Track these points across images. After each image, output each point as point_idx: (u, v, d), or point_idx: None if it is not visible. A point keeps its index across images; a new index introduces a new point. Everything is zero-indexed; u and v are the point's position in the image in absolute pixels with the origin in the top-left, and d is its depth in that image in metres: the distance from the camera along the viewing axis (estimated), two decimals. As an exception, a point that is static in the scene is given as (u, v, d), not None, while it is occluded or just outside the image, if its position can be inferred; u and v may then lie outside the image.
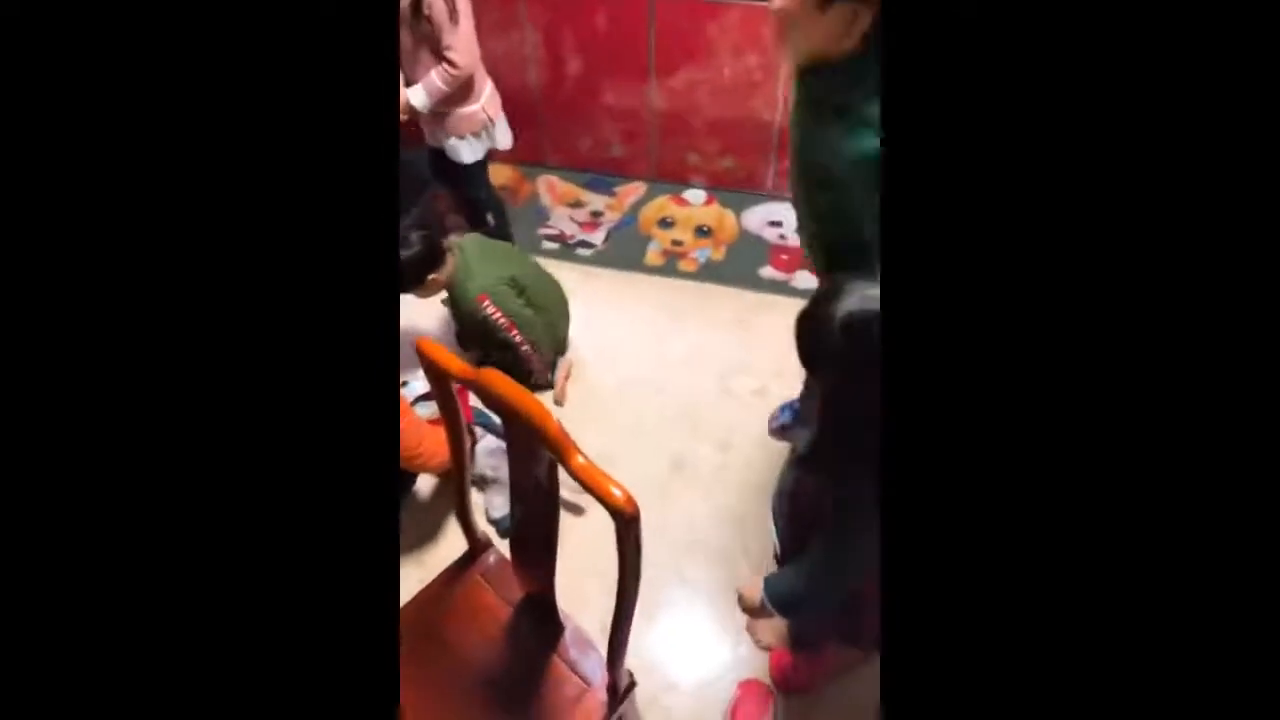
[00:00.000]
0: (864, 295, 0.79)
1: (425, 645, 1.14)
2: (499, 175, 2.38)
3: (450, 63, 1.73)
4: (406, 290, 1.72)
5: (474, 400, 1.66)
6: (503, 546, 1.23)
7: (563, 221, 2.57)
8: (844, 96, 0.96)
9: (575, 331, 2.06)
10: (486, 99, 1.91)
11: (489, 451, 1.74)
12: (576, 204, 2.63)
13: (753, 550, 1.66)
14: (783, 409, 1.86)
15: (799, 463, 1.23)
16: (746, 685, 1.43)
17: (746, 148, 2.50)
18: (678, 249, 2.45)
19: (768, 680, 1.45)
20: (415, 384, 1.72)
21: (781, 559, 1.42)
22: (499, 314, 1.79)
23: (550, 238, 2.52)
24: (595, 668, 1.11)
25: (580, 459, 0.78)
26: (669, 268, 2.40)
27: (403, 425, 1.36)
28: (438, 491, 1.78)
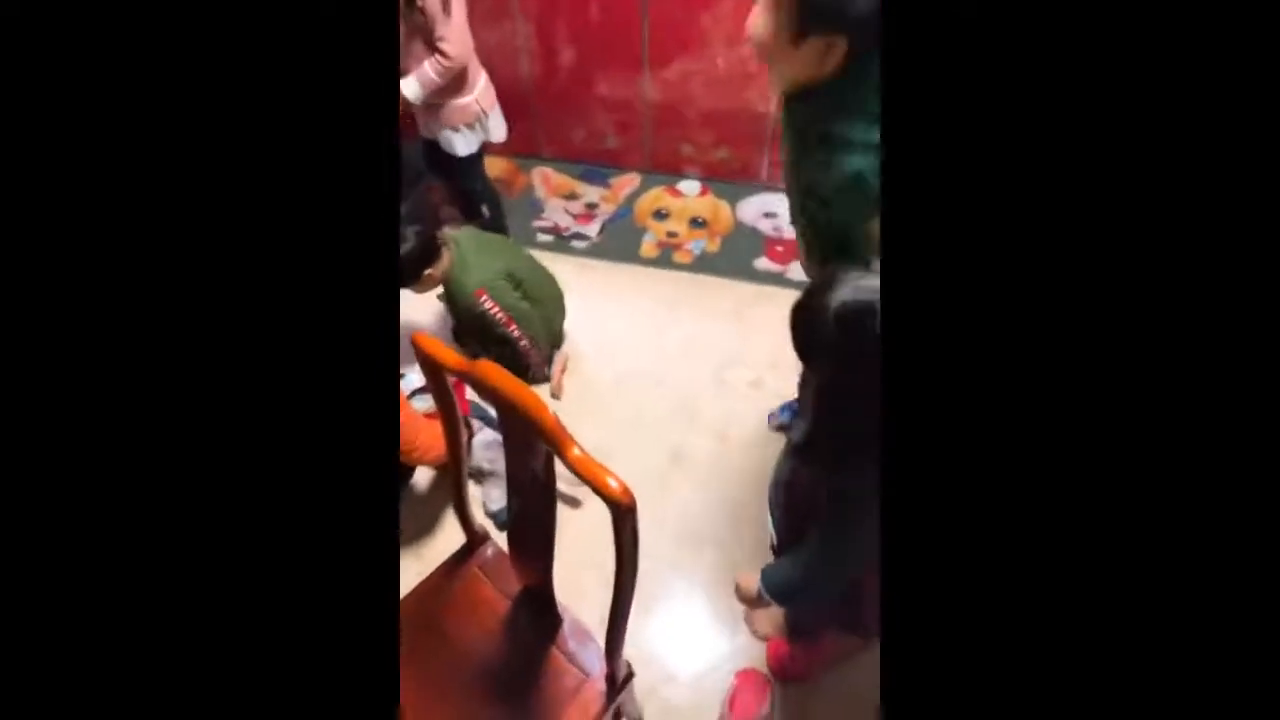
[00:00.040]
0: (858, 286, 0.79)
1: (424, 638, 1.14)
2: (493, 167, 2.37)
3: (443, 54, 1.72)
4: (403, 286, 1.72)
5: (471, 393, 1.66)
6: (500, 539, 1.23)
7: (557, 214, 2.57)
8: (826, 124, 0.99)
9: (571, 325, 2.06)
10: (480, 91, 1.90)
11: (486, 444, 1.74)
12: (571, 196, 2.63)
13: (749, 541, 1.67)
14: (782, 409, 1.87)
15: (794, 453, 1.23)
16: (744, 675, 1.43)
17: (741, 138, 2.49)
18: (673, 241, 2.45)
19: (765, 670, 1.46)
20: (412, 377, 1.71)
21: (778, 549, 1.42)
22: (496, 308, 1.78)
23: (545, 230, 2.51)
24: (593, 659, 1.11)
25: (576, 451, 0.78)
26: (664, 259, 2.39)
27: (399, 419, 1.36)
28: (435, 485, 1.79)
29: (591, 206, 2.59)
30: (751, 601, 1.53)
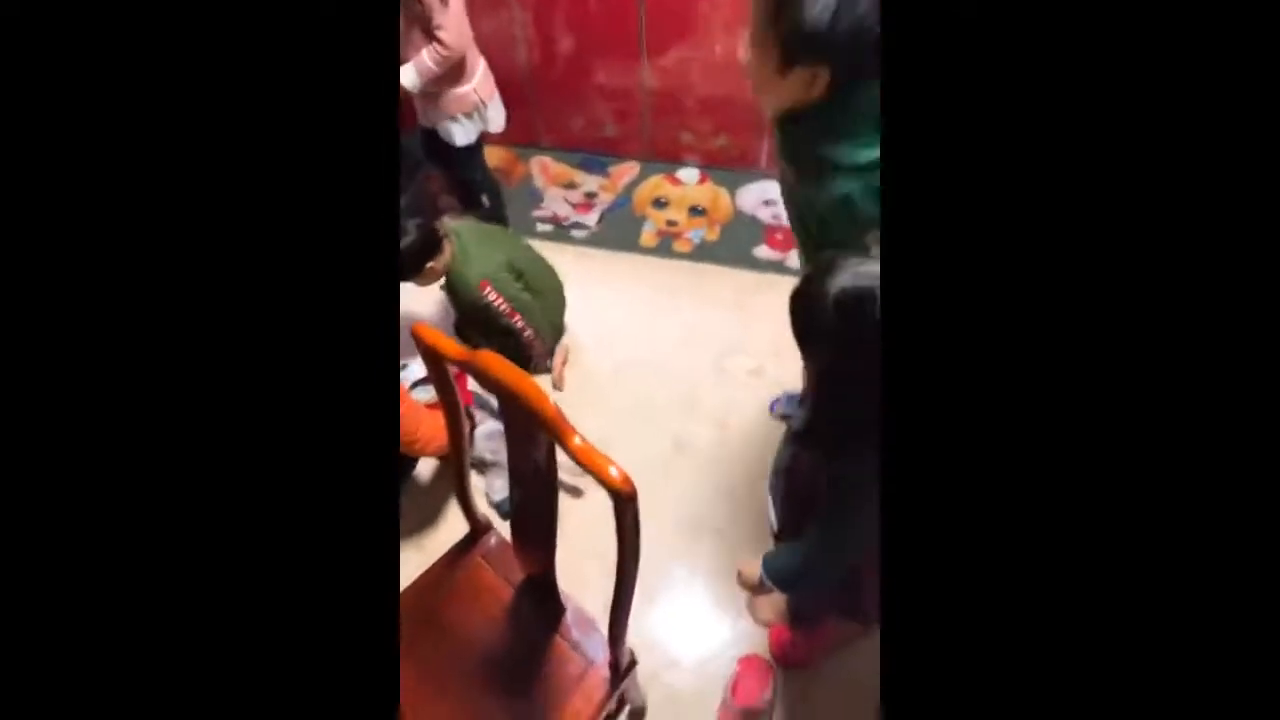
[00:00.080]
0: (857, 271, 0.79)
1: (428, 627, 1.15)
2: (491, 157, 2.36)
3: (441, 43, 1.71)
4: (405, 279, 1.71)
5: (473, 384, 1.66)
6: (504, 529, 1.23)
7: (556, 203, 2.56)
8: (816, 148, 1.03)
9: (571, 315, 2.05)
10: (479, 80, 1.89)
11: (488, 434, 1.74)
12: (570, 185, 2.62)
13: (751, 528, 1.67)
14: (786, 399, 1.87)
15: (795, 439, 1.24)
16: (747, 661, 1.44)
17: (740, 126, 2.48)
18: (672, 229, 2.44)
19: (768, 656, 1.47)
20: (414, 368, 1.72)
21: (779, 536, 1.43)
22: (500, 300, 1.78)
23: (544, 220, 2.51)
24: (597, 647, 1.12)
25: (577, 440, 0.78)
26: (664, 248, 2.39)
27: (400, 410, 1.36)
28: (438, 475, 1.79)
29: (590, 195, 2.58)
30: (753, 588, 1.54)
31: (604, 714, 1.11)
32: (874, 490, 0.53)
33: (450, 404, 1.04)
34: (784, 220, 2.40)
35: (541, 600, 1.16)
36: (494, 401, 1.31)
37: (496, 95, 1.98)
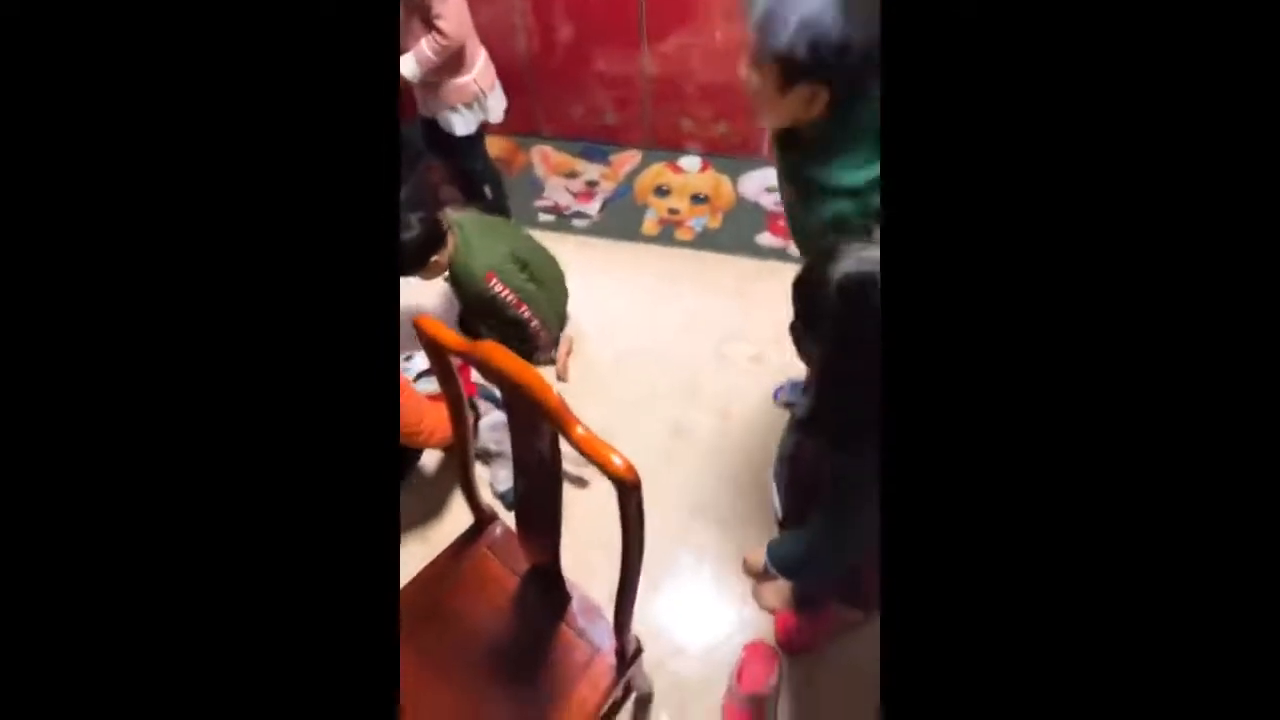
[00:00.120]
0: (860, 257, 0.79)
1: (434, 617, 1.16)
2: (492, 146, 2.35)
3: (440, 32, 1.70)
4: (409, 273, 1.72)
5: (476, 375, 1.67)
6: (508, 519, 1.24)
7: (558, 192, 2.55)
8: (810, 171, 1.06)
9: (573, 304, 2.05)
10: (479, 70, 1.88)
11: (493, 425, 1.75)
12: (571, 174, 2.61)
13: (755, 515, 1.68)
14: (790, 386, 1.87)
15: (798, 427, 1.24)
16: (752, 647, 1.45)
17: (741, 113, 2.47)
18: (674, 217, 2.44)
19: (773, 642, 1.48)
20: (418, 359, 1.72)
21: (783, 523, 1.43)
22: (507, 291, 1.78)
23: (546, 209, 2.50)
24: (603, 635, 1.13)
25: (580, 430, 0.78)
26: (666, 236, 2.38)
27: (403, 403, 1.36)
28: (442, 466, 1.80)
29: (592, 184, 2.57)
30: (758, 575, 1.55)
31: (610, 701, 1.11)
32: (874, 490, 0.53)
33: (453, 395, 1.04)
34: (786, 207, 2.39)
35: (547, 589, 1.16)
36: (498, 392, 1.31)
37: (497, 85, 1.97)
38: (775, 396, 1.89)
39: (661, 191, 2.52)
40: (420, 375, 1.72)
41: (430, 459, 1.80)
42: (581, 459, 0.77)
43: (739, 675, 1.41)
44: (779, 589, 1.51)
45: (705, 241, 2.36)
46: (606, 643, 1.12)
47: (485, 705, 1.08)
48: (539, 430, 0.90)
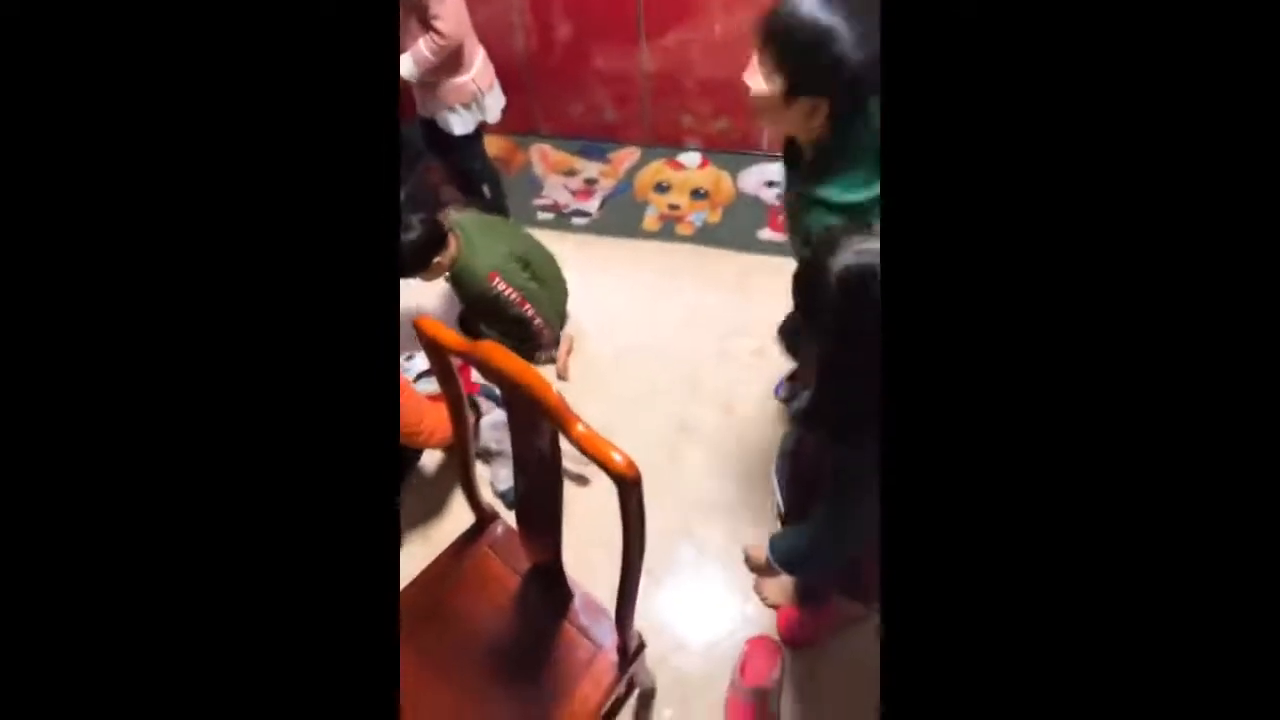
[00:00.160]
0: (859, 249, 0.79)
1: (436, 617, 1.16)
2: (490, 146, 2.35)
3: (437, 32, 1.70)
4: (412, 275, 1.72)
5: (477, 374, 1.67)
6: (510, 518, 1.24)
7: (557, 191, 2.55)
8: (809, 187, 1.08)
9: (573, 302, 2.05)
10: (477, 70, 1.88)
11: (494, 424, 1.75)
12: (570, 172, 2.61)
13: (757, 510, 1.68)
14: (791, 384, 1.87)
15: (799, 421, 1.24)
16: (755, 642, 1.45)
17: (741, 108, 2.45)
18: (674, 213, 2.43)
19: (775, 636, 1.48)
20: (418, 359, 1.72)
21: (785, 518, 1.43)
22: (510, 290, 1.79)
23: (545, 208, 2.50)
24: (606, 632, 1.13)
25: (580, 427, 0.78)
26: (666, 232, 2.38)
27: (403, 403, 1.36)
28: (443, 467, 1.80)
29: (591, 182, 2.57)
30: (760, 570, 1.55)
31: (613, 698, 1.12)
32: (875, 483, 0.53)
33: (453, 395, 1.04)
34: (786, 202, 2.39)
35: (549, 588, 1.16)
36: (499, 391, 1.31)
37: (496, 85, 1.97)
38: (777, 391, 1.89)
39: (661, 188, 2.52)
40: (420, 375, 1.72)
41: (431, 459, 1.81)
42: (582, 457, 0.77)
43: (742, 670, 1.42)
44: (781, 583, 1.51)
45: (706, 237, 2.35)
46: (609, 640, 1.12)
47: (487, 704, 1.08)
48: (539, 428, 0.90)
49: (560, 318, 2.01)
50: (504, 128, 2.35)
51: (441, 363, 0.98)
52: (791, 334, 1.03)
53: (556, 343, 2.00)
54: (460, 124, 1.93)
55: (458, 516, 1.71)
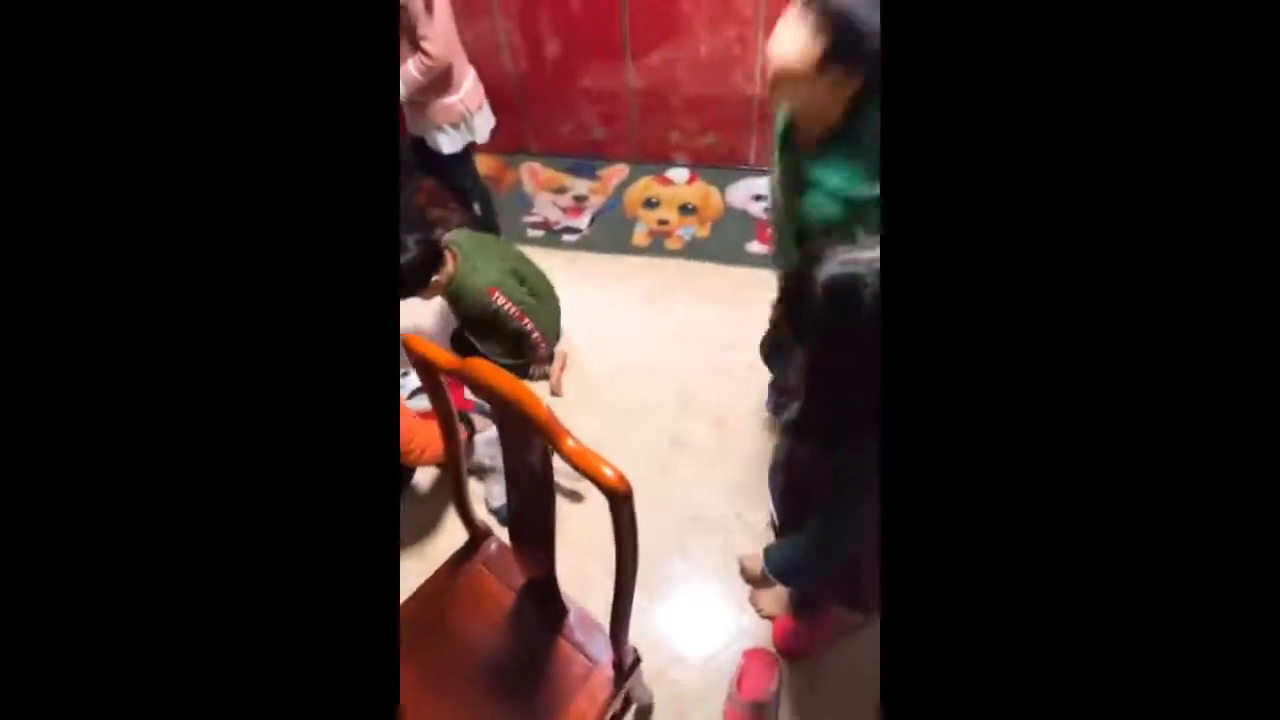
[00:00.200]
0: (845, 259, 0.80)
1: (431, 634, 1.16)
2: (480, 164, 2.37)
3: (425, 53, 1.72)
4: (410, 294, 1.73)
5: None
6: (503, 535, 1.24)
7: (546, 208, 2.57)
8: (814, 171, 1.07)
9: (565, 319, 2.06)
10: (466, 91, 1.90)
11: (488, 441, 1.75)
12: (560, 190, 2.63)
13: (752, 522, 1.68)
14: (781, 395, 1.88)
15: (790, 432, 1.25)
16: (751, 654, 1.45)
17: (727, 123, 2.49)
18: (664, 228, 2.45)
19: (772, 648, 1.48)
20: (411, 376, 1.72)
21: (780, 529, 1.44)
22: (509, 304, 1.81)
23: (535, 225, 2.51)
24: (601, 647, 1.13)
25: (571, 442, 0.79)
26: (656, 247, 2.40)
27: (397, 420, 1.37)
28: (437, 484, 1.80)
29: (580, 199, 2.59)
30: (756, 581, 1.55)
31: (610, 713, 1.11)
32: (871, 481, 0.54)
33: (444, 413, 1.04)
34: (774, 216, 2.40)
35: (543, 604, 1.16)
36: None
37: (485, 106, 1.99)
38: (768, 403, 1.90)
39: (650, 203, 2.54)
40: (414, 393, 1.72)
41: (424, 476, 1.81)
42: (575, 472, 0.77)
43: (739, 682, 1.41)
44: (777, 595, 1.51)
45: (695, 251, 2.37)
46: (604, 655, 1.12)
47: (485, 721, 1.08)
48: (530, 444, 0.90)
49: (556, 333, 2.02)
50: (494, 146, 2.36)
51: (431, 380, 0.98)
52: (772, 348, 1.04)
53: (551, 358, 2.01)
54: (449, 143, 1.94)
55: (452, 534, 1.70)
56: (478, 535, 1.26)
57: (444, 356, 0.91)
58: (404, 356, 0.95)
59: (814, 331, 0.87)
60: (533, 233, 2.48)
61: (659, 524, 1.67)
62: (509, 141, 2.62)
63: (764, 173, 2.52)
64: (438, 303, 1.90)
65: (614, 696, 1.10)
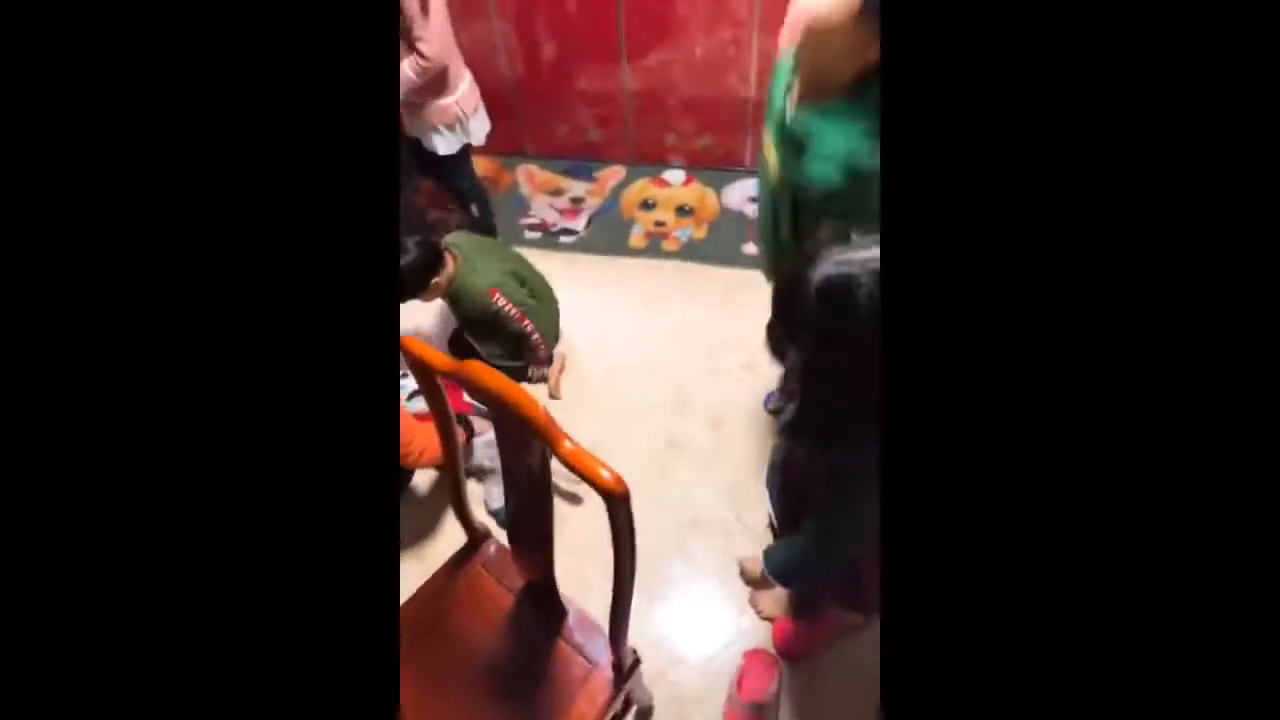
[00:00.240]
0: (839, 260, 0.80)
1: (430, 637, 1.16)
2: (477, 166, 2.37)
3: (421, 54, 1.72)
4: (411, 297, 1.73)
5: (467, 393, 1.67)
6: (502, 536, 1.24)
7: (544, 210, 2.57)
8: (821, 125, 1.04)
9: (563, 321, 2.06)
10: (462, 94, 1.90)
11: (488, 443, 1.75)
12: (557, 192, 2.63)
13: (751, 523, 1.68)
14: (780, 392, 1.88)
15: (787, 432, 1.25)
16: (751, 655, 1.45)
17: (723, 125, 2.50)
18: (660, 230, 2.45)
19: (772, 649, 1.48)
20: (410, 378, 1.72)
21: (778, 530, 1.44)
22: (510, 305, 1.81)
23: (532, 227, 2.51)
24: (600, 649, 1.13)
25: (568, 444, 0.79)
26: (652, 249, 2.40)
27: (395, 423, 1.36)
28: (436, 486, 1.80)
29: (577, 201, 2.59)
30: (756, 583, 1.55)
31: (609, 715, 1.11)
32: (870, 481, 0.54)
33: (441, 415, 1.04)
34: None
35: (542, 605, 1.16)
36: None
37: (481, 109, 1.99)
38: (766, 404, 1.90)
39: (647, 205, 2.54)
40: (413, 395, 1.72)
41: (423, 479, 1.80)
42: (573, 475, 0.78)
43: (739, 684, 1.41)
44: (776, 596, 1.51)
45: (691, 253, 2.37)
46: (604, 657, 1.12)
47: (484, 724, 1.08)
48: (528, 446, 0.90)
49: (555, 335, 2.02)
50: (490, 149, 2.37)
51: (428, 382, 0.98)
52: (777, 337, 1.02)
53: (550, 360, 2.01)
54: (445, 144, 1.94)
55: (450, 536, 1.70)
56: (476, 537, 1.26)
57: (440, 359, 0.91)
58: (402, 358, 0.96)
59: (809, 332, 0.87)
60: (530, 235, 2.48)
61: (658, 525, 1.67)
62: (505, 144, 2.62)
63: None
64: (438, 304, 1.90)
65: (613, 698, 1.10)
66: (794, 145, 1.10)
